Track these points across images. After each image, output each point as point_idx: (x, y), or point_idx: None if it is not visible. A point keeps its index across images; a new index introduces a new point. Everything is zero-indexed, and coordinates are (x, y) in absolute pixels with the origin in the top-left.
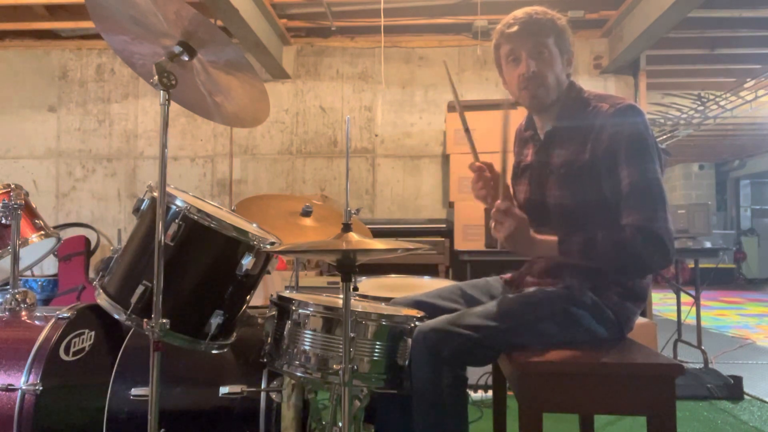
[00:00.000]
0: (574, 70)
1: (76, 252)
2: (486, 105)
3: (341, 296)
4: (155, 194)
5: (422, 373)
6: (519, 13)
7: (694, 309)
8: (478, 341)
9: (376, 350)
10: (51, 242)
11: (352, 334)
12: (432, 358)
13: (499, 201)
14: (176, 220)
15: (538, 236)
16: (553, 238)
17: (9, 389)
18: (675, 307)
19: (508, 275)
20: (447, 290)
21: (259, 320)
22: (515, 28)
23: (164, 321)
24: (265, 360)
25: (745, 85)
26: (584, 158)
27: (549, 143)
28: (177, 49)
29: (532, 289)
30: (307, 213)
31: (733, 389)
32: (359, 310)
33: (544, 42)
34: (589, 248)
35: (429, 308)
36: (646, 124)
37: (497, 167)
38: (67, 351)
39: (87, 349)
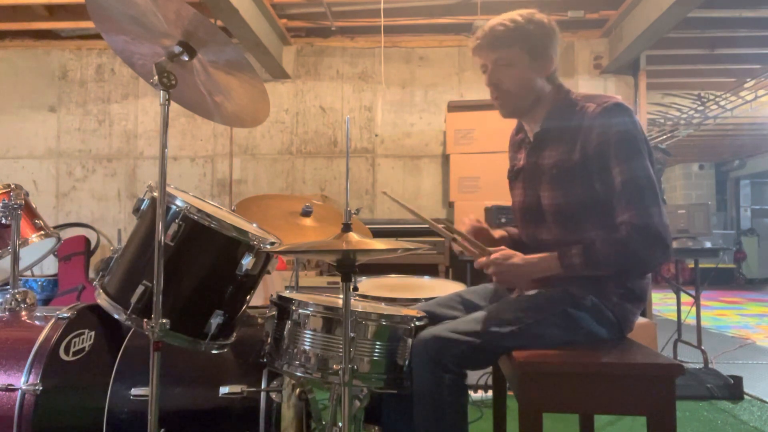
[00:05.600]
0: (573, 70)
1: (76, 252)
2: (486, 105)
3: (341, 296)
4: (155, 194)
5: (423, 378)
6: (487, 25)
7: (694, 309)
8: (480, 347)
9: (376, 350)
10: (51, 242)
11: (352, 334)
12: (433, 366)
13: (478, 261)
14: (176, 220)
15: (535, 257)
16: (552, 254)
17: (9, 389)
18: (675, 307)
19: None
20: (446, 298)
21: (259, 320)
22: (477, 42)
23: (164, 321)
24: (265, 360)
25: (745, 85)
26: (575, 158)
27: (538, 145)
28: (177, 49)
29: (532, 292)
30: (307, 213)
31: (733, 389)
32: (359, 310)
33: (507, 53)
34: (589, 256)
35: (428, 317)
36: (635, 121)
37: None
38: (67, 351)
39: (87, 349)
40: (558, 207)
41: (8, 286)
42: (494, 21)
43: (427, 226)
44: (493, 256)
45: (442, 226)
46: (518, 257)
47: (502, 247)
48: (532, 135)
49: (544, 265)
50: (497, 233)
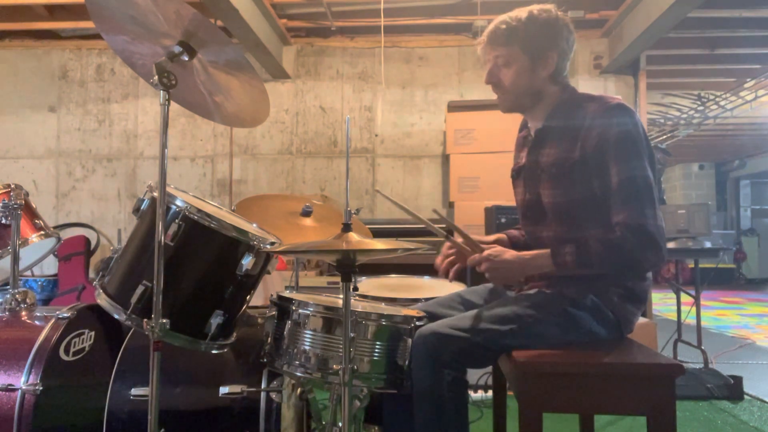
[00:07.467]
0: (573, 70)
1: (76, 252)
2: (486, 105)
3: (341, 296)
4: (155, 194)
5: (422, 375)
6: (494, 21)
7: (694, 309)
8: (479, 344)
9: (376, 350)
10: (51, 242)
11: (352, 334)
12: (432, 362)
13: (471, 258)
14: (176, 220)
15: (528, 254)
16: (545, 251)
17: (9, 389)
18: (675, 307)
19: None
20: (446, 298)
21: (259, 320)
22: (482, 38)
23: (164, 321)
24: (265, 360)
25: (745, 85)
26: (575, 157)
27: (539, 142)
28: (177, 49)
29: (532, 291)
30: (307, 213)
31: (733, 389)
32: (359, 310)
33: (506, 52)
34: (582, 255)
35: (428, 317)
36: (636, 123)
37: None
38: (67, 351)
39: (87, 349)
40: (558, 205)
41: (8, 286)
42: (501, 17)
43: (425, 226)
44: (485, 253)
45: (440, 226)
46: (510, 254)
47: (495, 244)
48: (534, 132)
49: (536, 263)
50: (493, 237)
